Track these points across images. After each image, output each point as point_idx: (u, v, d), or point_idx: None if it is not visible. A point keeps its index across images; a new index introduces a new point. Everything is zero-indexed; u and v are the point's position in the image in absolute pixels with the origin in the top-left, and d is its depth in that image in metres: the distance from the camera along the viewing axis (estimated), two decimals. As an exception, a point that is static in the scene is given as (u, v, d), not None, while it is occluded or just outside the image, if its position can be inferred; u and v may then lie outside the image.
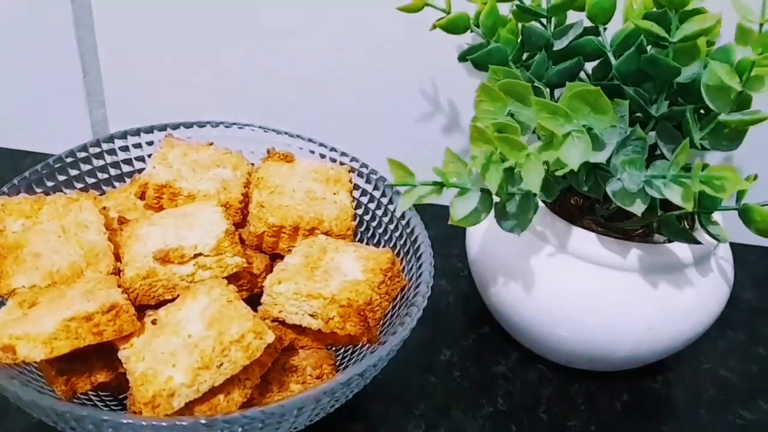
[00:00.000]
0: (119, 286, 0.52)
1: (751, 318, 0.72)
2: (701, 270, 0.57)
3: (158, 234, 0.55)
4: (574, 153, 0.46)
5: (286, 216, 0.59)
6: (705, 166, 0.45)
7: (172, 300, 0.54)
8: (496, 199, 0.50)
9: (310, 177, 0.63)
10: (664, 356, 0.59)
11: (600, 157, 0.49)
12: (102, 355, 0.50)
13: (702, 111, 0.54)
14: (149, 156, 0.68)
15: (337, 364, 0.56)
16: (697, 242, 0.53)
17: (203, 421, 0.42)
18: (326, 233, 0.59)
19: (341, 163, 0.67)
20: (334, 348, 0.58)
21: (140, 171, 0.67)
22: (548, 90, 0.57)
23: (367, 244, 0.64)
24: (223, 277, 0.54)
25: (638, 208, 0.49)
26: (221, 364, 0.46)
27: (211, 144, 0.67)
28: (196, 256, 0.53)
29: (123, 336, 0.48)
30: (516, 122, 0.50)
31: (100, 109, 0.83)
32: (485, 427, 0.59)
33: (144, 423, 0.42)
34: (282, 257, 0.60)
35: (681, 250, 0.55)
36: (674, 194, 0.46)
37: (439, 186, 0.48)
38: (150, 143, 0.68)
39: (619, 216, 0.58)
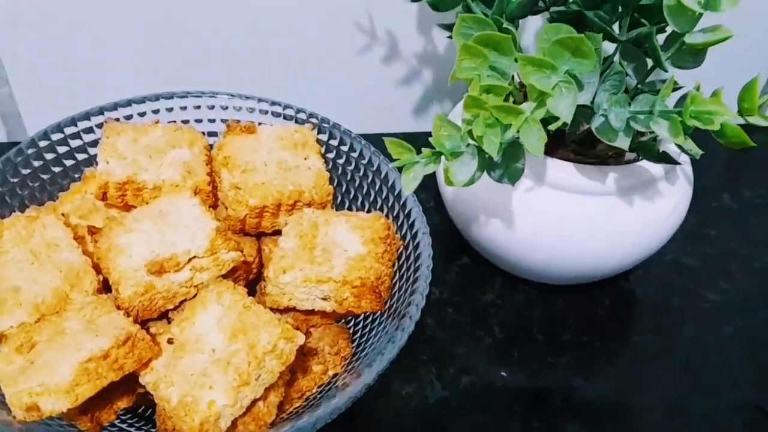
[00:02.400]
0: (118, 307, 0.50)
1: (695, 201, 0.77)
2: (671, 179, 0.60)
3: (141, 242, 0.52)
4: (563, 104, 0.46)
5: (265, 195, 0.56)
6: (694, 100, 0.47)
7: (174, 309, 0.52)
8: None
9: (277, 146, 0.60)
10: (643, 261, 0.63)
11: (584, 99, 0.49)
12: (120, 383, 0.48)
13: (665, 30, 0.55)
14: (90, 145, 0.62)
15: (351, 335, 0.56)
16: (677, 163, 0.56)
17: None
18: (308, 204, 0.58)
19: (297, 121, 0.64)
20: (344, 320, 0.58)
21: (85, 163, 0.62)
22: (515, 27, 0.56)
23: (349, 207, 0.63)
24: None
25: (623, 142, 0.50)
26: (259, 377, 0.45)
27: (157, 122, 0.62)
28: (190, 260, 0.51)
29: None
30: (499, 74, 0.49)
31: (4, 87, 0.75)
32: (490, 358, 0.62)
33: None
34: (267, 234, 0.59)
35: (652, 165, 0.58)
36: (662, 129, 0.47)
37: (437, 155, 0.47)
38: (89, 130, 0.62)
39: (590, 139, 0.59)
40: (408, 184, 0.46)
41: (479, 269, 0.69)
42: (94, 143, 0.62)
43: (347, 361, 0.55)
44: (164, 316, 0.52)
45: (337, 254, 0.53)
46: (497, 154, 0.46)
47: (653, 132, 0.49)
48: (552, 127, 0.48)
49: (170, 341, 0.48)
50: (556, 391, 0.60)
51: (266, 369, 0.45)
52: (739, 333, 0.65)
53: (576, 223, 0.58)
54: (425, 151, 0.46)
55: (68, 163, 0.62)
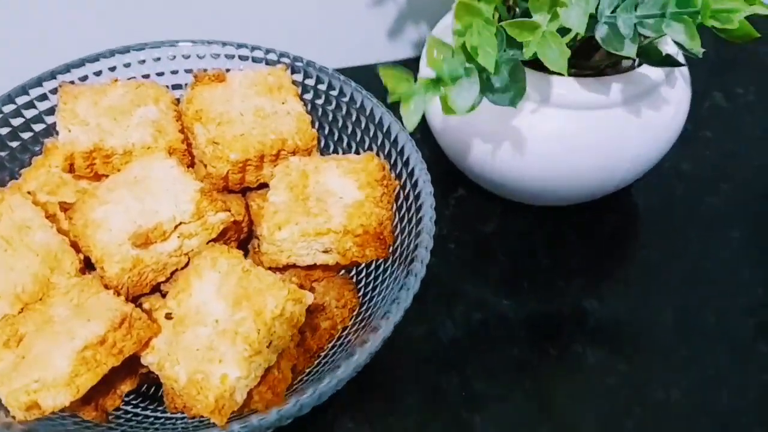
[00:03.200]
0: (107, 287, 0.46)
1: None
2: (671, 83, 0.57)
3: (119, 213, 0.48)
4: (575, 15, 0.43)
5: (246, 147, 0.52)
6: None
7: (166, 281, 0.48)
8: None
9: (251, 92, 0.55)
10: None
11: (591, 6, 0.45)
12: (121, 366, 0.45)
13: None
14: (46, 113, 0.57)
15: (356, 285, 0.53)
16: (681, 64, 0.53)
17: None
18: (293, 152, 0.54)
19: (268, 63, 0.59)
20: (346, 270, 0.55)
21: (43, 134, 0.57)
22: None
23: (336, 152, 0.59)
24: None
25: (630, 50, 0.47)
26: (270, 344, 0.42)
27: (116, 81, 0.57)
28: (177, 227, 0.47)
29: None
30: None
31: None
32: (499, 290, 0.60)
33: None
34: (252, 189, 0.55)
35: (652, 70, 0.55)
36: (676, 32, 0.44)
37: (436, 83, 0.44)
38: (42, 97, 0.57)
39: (584, 50, 0.56)
40: (409, 118, 0.42)
41: (476, 200, 0.66)
42: (51, 111, 0.57)
43: (355, 312, 0.52)
44: (156, 289, 0.48)
45: (333, 203, 0.50)
46: (494, 69, 0.43)
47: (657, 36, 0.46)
48: (565, 40, 0.44)
49: (168, 316, 0.44)
50: (570, 316, 0.58)
51: (277, 335, 0.42)
52: (745, 236, 0.64)
53: (580, 139, 0.55)
54: (421, 79, 0.42)
55: (25, 135, 0.57)
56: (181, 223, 0.47)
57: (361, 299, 0.52)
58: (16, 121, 0.56)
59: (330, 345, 0.50)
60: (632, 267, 0.62)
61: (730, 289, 0.60)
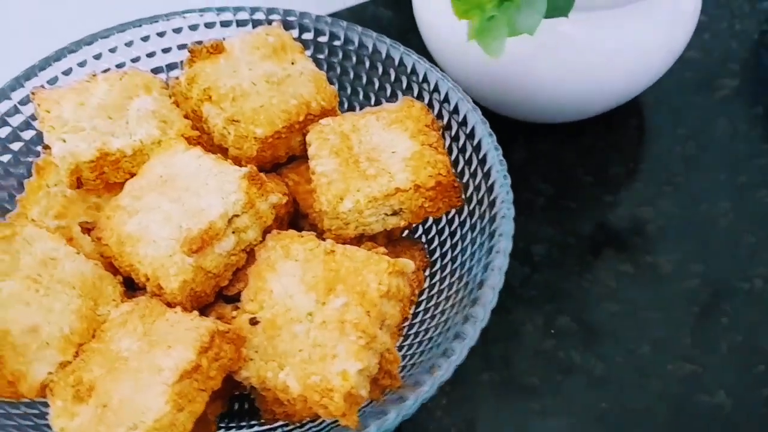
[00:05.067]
0: (169, 305, 0.40)
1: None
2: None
3: (158, 221, 0.42)
4: None
5: (271, 119, 0.46)
6: None
7: (227, 286, 0.43)
8: None
9: (255, 58, 0.49)
10: (657, 79, 0.57)
11: None
12: (210, 389, 0.40)
13: None
14: (21, 128, 0.49)
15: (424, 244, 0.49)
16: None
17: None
18: (319, 116, 0.48)
19: (255, 26, 0.53)
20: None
21: (24, 153, 0.50)
22: None
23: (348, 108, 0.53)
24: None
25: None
26: (382, 325, 0.38)
27: (94, 76, 0.49)
28: (230, 222, 0.41)
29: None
30: None
31: None
32: (550, 218, 0.57)
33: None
34: (283, 165, 0.49)
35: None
36: None
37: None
38: (13, 111, 0.49)
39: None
40: (494, 47, 0.37)
41: (495, 128, 0.62)
42: (27, 125, 0.50)
43: (427, 273, 0.48)
44: (218, 297, 0.43)
45: (388, 159, 0.45)
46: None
47: None
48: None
49: (253, 322, 0.39)
50: (628, 227, 0.56)
51: (389, 313, 0.38)
52: (761, 114, 0.63)
53: (603, 43, 0.51)
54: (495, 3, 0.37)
55: (4, 159, 0.49)
56: (234, 216, 0.41)
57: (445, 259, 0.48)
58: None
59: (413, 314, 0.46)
60: (672, 165, 0.60)
61: (752, 168, 0.59)
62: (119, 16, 0.53)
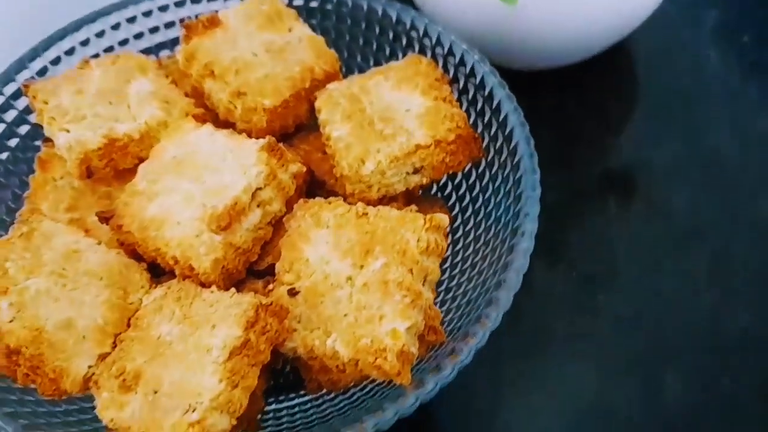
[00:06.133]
0: (203, 285, 0.39)
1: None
2: None
3: (180, 202, 0.41)
4: None
5: (278, 88, 0.45)
6: None
7: (257, 261, 0.42)
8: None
9: (252, 29, 0.48)
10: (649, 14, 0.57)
11: None
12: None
13: None
14: (16, 123, 0.48)
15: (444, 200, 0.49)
16: None
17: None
18: (324, 80, 0.47)
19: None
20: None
21: (21, 149, 0.48)
22: None
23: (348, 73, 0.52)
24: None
25: None
26: (425, 278, 0.38)
27: (86, 62, 0.48)
28: (254, 195, 0.41)
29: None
30: None
31: None
32: (557, 166, 0.56)
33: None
34: (293, 134, 0.48)
35: None
36: None
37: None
38: (5, 107, 0.48)
39: None
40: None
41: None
42: (22, 121, 0.48)
43: (449, 230, 0.47)
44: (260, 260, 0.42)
45: (402, 117, 0.44)
46: None
47: None
48: None
49: (292, 292, 0.38)
50: (635, 166, 0.57)
51: (429, 268, 0.38)
52: (748, 42, 0.63)
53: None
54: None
55: (3, 156, 0.47)
56: (257, 190, 0.41)
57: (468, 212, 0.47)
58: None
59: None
60: (671, 101, 0.60)
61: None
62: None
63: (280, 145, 0.42)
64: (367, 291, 0.37)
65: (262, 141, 0.42)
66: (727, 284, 0.50)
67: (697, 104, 0.60)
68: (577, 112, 0.60)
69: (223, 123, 0.47)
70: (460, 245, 0.46)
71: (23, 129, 0.48)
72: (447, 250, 0.46)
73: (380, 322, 0.36)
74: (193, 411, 0.34)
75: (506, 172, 0.44)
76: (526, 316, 0.49)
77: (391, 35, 0.51)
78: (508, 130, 0.44)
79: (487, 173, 0.46)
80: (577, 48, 0.58)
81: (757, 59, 0.62)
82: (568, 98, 0.61)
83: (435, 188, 0.50)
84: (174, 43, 0.53)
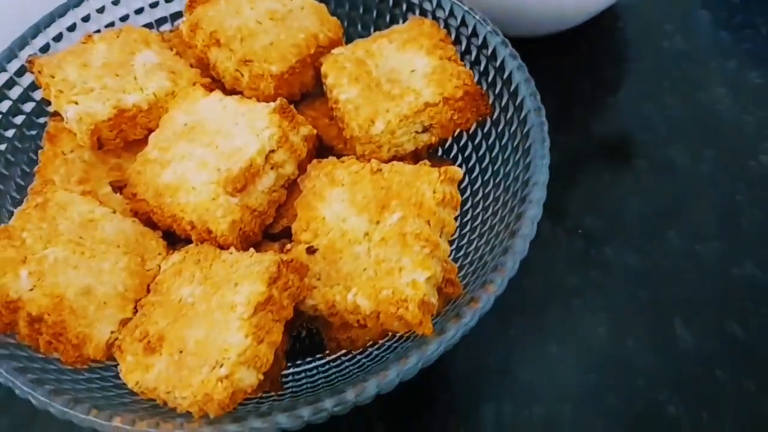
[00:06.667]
0: (221, 246, 0.39)
1: None
2: None
3: (194, 167, 0.41)
4: None
5: (284, 55, 0.46)
6: None
7: (272, 223, 0.42)
8: None
9: (255, -4, 0.48)
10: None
11: None
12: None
13: None
14: (21, 100, 0.48)
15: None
16: None
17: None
18: (328, 47, 0.48)
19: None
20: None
21: (27, 126, 0.48)
22: None
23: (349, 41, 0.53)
24: (299, 160, 0.43)
25: None
26: (441, 230, 0.38)
27: (90, 37, 0.48)
28: (267, 158, 0.41)
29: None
30: None
31: None
32: (562, 126, 0.57)
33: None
34: (300, 101, 0.49)
35: None
36: None
37: None
38: (10, 84, 0.47)
39: None
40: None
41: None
42: (27, 98, 0.48)
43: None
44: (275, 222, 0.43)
45: (408, 77, 0.45)
46: None
47: None
48: None
49: (311, 250, 0.39)
50: (635, 124, 0.57)
51: (446, 220, 0.38)
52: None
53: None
54: None
55: (8, 134, 0.47)
56: (270, 152, 0.41)
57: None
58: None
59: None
60: (665, 60, 0.61)
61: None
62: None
63: (291, 106, 0.42)
64: (385, 245, 0.38)
65: (272, 104, 0.42)
66: (734, 234, 0.51)
67: (690, 62, 0.61)
68: (576, 75, 0.60)
69: (230, 92, 0.47)
70: (469, 204, 0.46)
71: (28, 107, 0.48)
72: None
73: (400, 273, 0.37)
74: (221, 366, 0.34)
75: (513, 128, 0.44)
76: (534, 271, 0.50)
77: (391, 1, 0.51)
78: (513, 87, 0.44)
79: (494, 131, 0.46)
80: (576, 11, 0.58)
81: (746, 17, 0.63)
82: (565, 63, 0.61)
83: (440, 152, 0.50)
84: (174, 17, 0.53)
